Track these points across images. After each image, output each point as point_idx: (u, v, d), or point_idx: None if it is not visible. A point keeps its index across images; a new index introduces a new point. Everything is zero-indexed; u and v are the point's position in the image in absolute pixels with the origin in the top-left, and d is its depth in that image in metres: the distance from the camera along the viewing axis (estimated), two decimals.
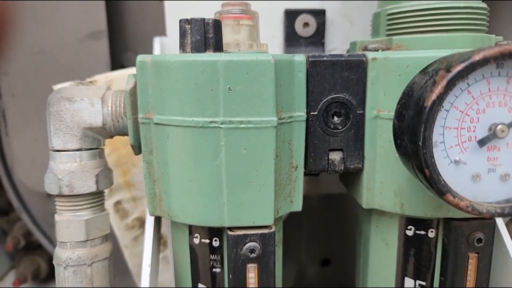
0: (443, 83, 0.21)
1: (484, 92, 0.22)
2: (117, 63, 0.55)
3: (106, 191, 0.41)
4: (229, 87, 0.27)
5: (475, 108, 0.22)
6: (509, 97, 0.23)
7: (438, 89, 0.21)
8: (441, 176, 0.22)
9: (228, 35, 0.32)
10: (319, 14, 0.41)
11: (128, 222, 0.41)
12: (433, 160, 0.21)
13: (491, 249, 0.31)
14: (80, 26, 0.50)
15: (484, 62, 0.20)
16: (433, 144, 0.22)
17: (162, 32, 0.44)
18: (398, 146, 0.25)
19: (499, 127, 0.22)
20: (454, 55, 0.22)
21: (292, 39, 0.41)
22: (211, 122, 0.27)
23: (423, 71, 0.24)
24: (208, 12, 0.33)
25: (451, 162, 0.23)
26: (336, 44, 0.42)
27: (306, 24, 0.41)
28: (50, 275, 0.68)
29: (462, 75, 0.21)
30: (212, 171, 0.28)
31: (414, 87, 0.23)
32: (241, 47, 0.31)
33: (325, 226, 0.58)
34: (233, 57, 0.27)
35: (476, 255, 0.30)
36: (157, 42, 0.41)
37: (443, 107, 0.22)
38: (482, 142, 0.22)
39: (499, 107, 0.23)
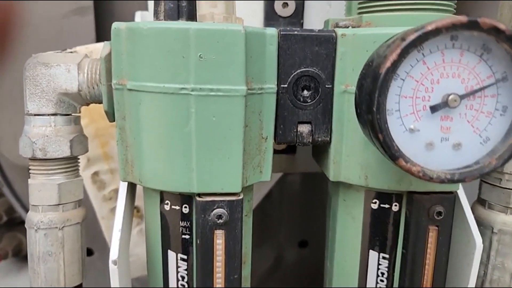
0: (398, 51, 0.22)
1: (439, 63, 0.23)
2: (103, 39, 0.55)
3: (84, 162, 0.42)
4: (200, 55, 0.27)
5: (429, 78, 0.23)
6: (463, 68, 0.24)
7: (392, 57, 0.22)
8: (394, 141, 0.23)
9: (204, 8, 0.32)
10: None
11: (105, 194, 0.42)
12: (386, 125, 0.22)
13: (450, 222, 0.32)
14: (65, 1, 0.50)
15: (437, 32, 0.21)
16: (389, 112, 0.23)
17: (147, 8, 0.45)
18: (358, 115, 0.26)
19: (451, 96, 0.23)
20: (412, 28, 0.23)
21: (271, 19, 0.42)
22: (182, 88, 0.28)
23: (385, 43, 0.25)
24: None
25: (406, 130, 0.24)
26: (315, 25, 0.43)
27: (285, 4, 0.42)
28: None
29: (415, 44, 0.22)
30: (182, 137, 0.29)
31: (374, 57, 0.24)
32: (215, 19, 0.31)
33: (304, 208, 0.59)
34: (204, 26, 0.28)
35: (436, 228, 0.32)
36: (137, 16, 0.42)
37: (398, 75, 0.23)
38: (434, 109, 0.23)
39: (452, 78, 0.24)
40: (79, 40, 0.50)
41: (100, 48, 0.43)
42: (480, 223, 0.37)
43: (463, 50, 0.23)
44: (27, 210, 0.61)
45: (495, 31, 0.22)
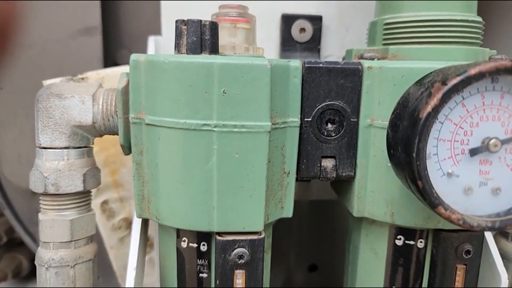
0: (439, 95, 0.21)
1: (478, 106, 0.22)
2: (110, 60, 0.54)
3: (93, 190, 0.40)
4: (223, 90, 0.26)
5: (469, 121, 0.23)
6: (503, 111, 0.23)
7: (433, 101, 0.21)
8: (433, 188, 0.22)
9: (224, 38, 0.31)
10: (316, 20, 0.41)
11: (115, 223, 0.41)
12: (426, 172, 0.21)
13: (479, 261, 0.31)
14: (73, 21, 0.49)
15: (480, 76, 0.21)
16: (427, 156, 0.22)
17: (157, 31, 0.44)
18: (391, 156, 0.24)
19: (492, 141, 0.22)
20: (450, 67, 0.23)
21: (288, 44, 0.41)
22: (204, 125, 0.27)
23: (419, 82, 0.24)
24: (204, 13, 0.33)
25: (444, 174, 0.23)
26: (332, 50, 0.42)
27: (302, 30, 0.41)
28: (32, 273, 0.66)
29: (457, 88, 0.21)
30: (203, 174, 0.27)
31: (409, 98, 0.23)
32: (237, 50, 0.30)
33: (314, 232, 0.58)
34: (228, 60, 0.26)
35: (464, 266, 0.31)
36: (151, 41, 0.41)
37: (437, 119, 0.22)
38: (473, 152, 0.22)
39: (492, 121, 0.23)
40: (86, 61, 0.49)
41: (111, 74, 0.41)
42: (503, 256, 0.36)
43: (503, 92, 0.22)
44: (27, 231, 0.59)
45: None
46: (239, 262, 0.28)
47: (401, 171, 0.23)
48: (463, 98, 0.22)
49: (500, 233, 0.38)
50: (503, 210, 0.23)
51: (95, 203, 0.40)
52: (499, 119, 0.23)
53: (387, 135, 0.25)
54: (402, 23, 0.31)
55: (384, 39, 0.32)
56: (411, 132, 0.21)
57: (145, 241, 0.34)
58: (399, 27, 0.31)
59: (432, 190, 0.22)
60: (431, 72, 0.24)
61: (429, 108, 0.20)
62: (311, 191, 0.50)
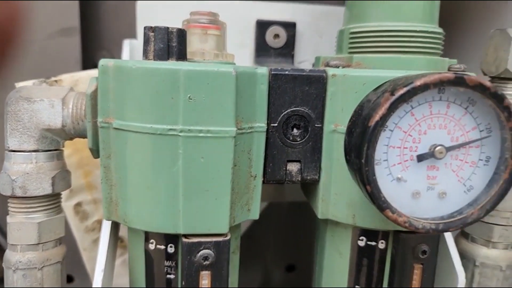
0: (386, 105, 0.22)
1: (426, 115, 0.24)
2: (89, 61, 0.54)
3: (66, 192, 0.40)
4: (189, 96, 0.27)
5: (417, 129, 0.24)
6: (449, 120, 0.24)
7: (381, 111, 0.22)
8: (381, 192, 0.23)
9: (195, 44, 0.32)
10: (290, 27, 0.42)
11: (88, 225, 0.41)
12: (374, 177, 0.23)
13: (435, 260, 0.32)
14: (51, 22, 0.49)
15: (425, 87, 0.22)
16: (377, 161, 0.24)
17: (136, 32, 0.44)
18: (347, 161, 0.26)
19: (438, 148, 0.24)
20: (401, 78, 0.24)
21: (262, 50, 0.42)
22: (170, 129, 0.27)
23: (375, 91, 0.26)
24: (179, 16, 0.33)
25: (394, 179, 0.24)
26: (306, 56, 0.43)
27: (276, 36, 0.42)
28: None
29: (404, 99, 0.22)
30: (169, 178, 0.28)
31: (364, 106, 0.24)
32: (206, 57, 0.31)
33: (291, 233, 0.59)
34: (194, 67, 0.27)
35: (421, 266, 0.32)
36: (126, 44, 0.41)
37: (387, 127, 0.23)
38: (420, 158, 0.24)
39: (439, 129, 0.24)
40: (65, 62, 0.49)
41: (86, 77, 0.42)
42: (463, 255, 0.38)
43: (449, 102, 0.24)
44: (4, 234, 0.59)
45: (481, 88, 0.22)
46: (204, 263, 0.29)
47: (355, 175, 0.24)
48: (412, 108, 0.23)
49: (461, 233, 0.40)
50: (447, 214, 0.24)
51: (68, 205, 0.40)
52: (445, 127, 0.24)
53: (344, 141, 0.26)
54: (366, 32, 0.32)
55: (350, 48, 0.33)
56: (361, 139, 0.22)
57: (115, 243, 0.35)
58: (363, 37, 0.32)
59: (380, 194, 0.23)
60: (387, 81, 0.25)
61: (377, 117, 0.22)
62: (289, 192, 0.51)
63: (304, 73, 0.30)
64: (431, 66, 0.31)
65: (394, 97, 0.22)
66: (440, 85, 0.22)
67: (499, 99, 0.22)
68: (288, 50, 0.42)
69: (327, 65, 0.33)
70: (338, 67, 0.32)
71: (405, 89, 0.22)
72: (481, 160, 0.25)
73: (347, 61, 0.32)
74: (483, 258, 0.37)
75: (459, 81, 0.22)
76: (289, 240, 0.60)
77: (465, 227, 0.30)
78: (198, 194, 0.28)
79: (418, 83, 0.22)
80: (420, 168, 0.24)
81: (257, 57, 0.43)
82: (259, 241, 0.58)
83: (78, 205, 0.40)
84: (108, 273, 0.32)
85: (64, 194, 0.40)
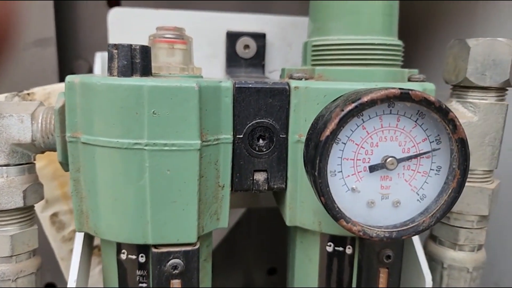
0: (336, 120, 0.23)
1: (377, 128, 0.25)
2: (67, 70, 0.55)
3: (42, 202, 0.41)
4: (153, 111, 0.28)
5: (369, 141, 0.25)
6: (399, 133, 0.25)
7: (331, 126, 0.23)
8: (335, 203, 0.24)
9: (161, 58, 0.33)
10: (260, 37, 0.43)
11: (65, 234, 0.41)
12: (328, 188, 0.24)
13: (400, 264, 0.34)
14: (26, 32, 0.49)
15: (372, 103, 0.23)
16: (331, 173, 0.25)
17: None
18: (306, 172, 0.27)
19: (389, 159, 0.25)
20: (353, 93, 0.25)
21: (233, 60, 0.43)
22: (136, 144, 0.28)
23: (332, 103, 0.27)
24: (151, 25, 0.34)
25: (348, 189, 0.25)
26: (276, 66, 0.44)
27: (246, 46, 0.43)
28: None
29: (352, 114, 0.23)
30: (137, 191, 0.29)
31: (319, 120, 0.26)
32: (172, 71, 0.32)
33: (273, 237, 0.60)
34: (158, 82, 0.28)
35: (387, 270, 0.33)
36: (98, 57, 0.42)
37: (340, 140, 0.24)
38: (372, 169, 0.25)
39: (391, 141, 0.25)
40: (41, 72, 0.49)
41: (58, 90, 0.42)
42: (431, 258, 0.40)
43: (399, 115, 0.25)
44: None
45: (426, 103, 0.23)
46: (174, 272, 0.30)
47: (312, 186, 0.25)
48: (363, 121, 0.25)
49: (430, 237, 0.41)
50: (400, 222, 0.25)
51: (45, 215, 0.41)
52: (396, 139, 0.25)
53: (303, 153, 0.27)
54: (327, 46, 0.33)
55: (312, 60, 0.34)
56: (314, 152, 0.23)
57: (90, 252, 0.35)
58: (324, 50, 0.33)
59: (334, 205, 0.24)
60: (341, 96, 0.27)
61: (327, 132, 0.23)
62: (265, 199, 0.52)
63: (268, 86, 0.31)
64: (390, 78, 0.33)
65: (343, 113, 0.23)
66: (387, 100, 0.23)
67: (443, 112, 0.23)
68: (258, 60, 0.43)
69: (291, 77, 0.34)
70: (301, 79, 0.33)
71: (353, 105, 0.23)
72: (432, 170, 0.26)
73: (310, 73, 0.33)
74: (450, 260, 0.38)
75: (404, 97, 0.23)
76: (270, 244, 0.61)
77: (418, 235, 0.31)
78: (166, 206, 0.29)
79: (365, 99, 0.23)
80: (373, 179, 0.25)
81: (228, 67, 0.43)
82: (240, 245, 0.59)
83: (55, 215, 0.41)
84: (82, 283, 0.33)
85: (40, 204, 0.41)
